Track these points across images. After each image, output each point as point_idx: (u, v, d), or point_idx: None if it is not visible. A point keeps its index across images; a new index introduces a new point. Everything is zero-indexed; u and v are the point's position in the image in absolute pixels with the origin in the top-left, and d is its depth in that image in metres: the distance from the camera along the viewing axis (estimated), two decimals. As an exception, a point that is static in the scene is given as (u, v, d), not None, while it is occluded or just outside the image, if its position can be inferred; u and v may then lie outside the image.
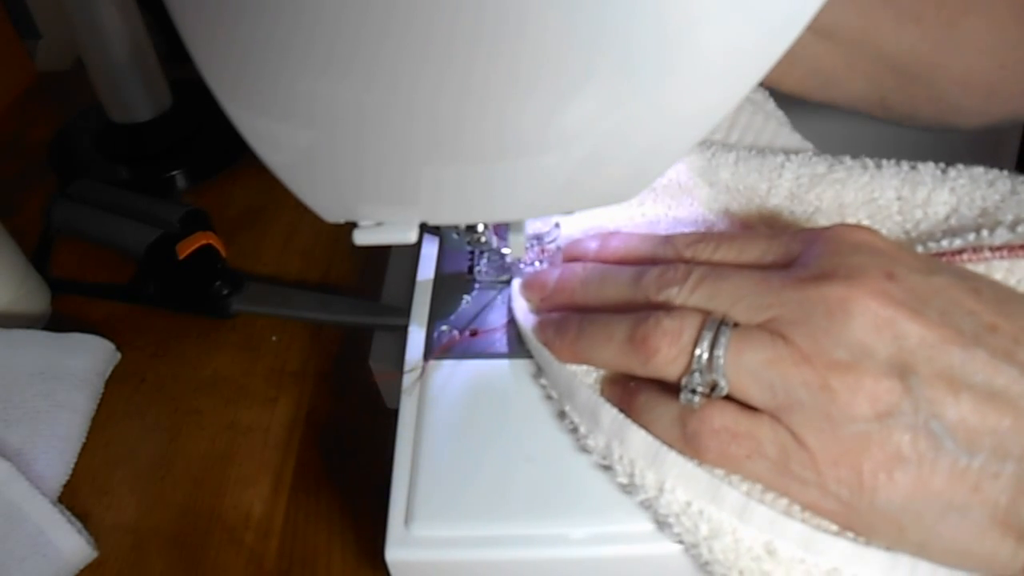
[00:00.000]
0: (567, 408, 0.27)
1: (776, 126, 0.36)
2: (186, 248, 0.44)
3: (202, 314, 0.45)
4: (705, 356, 0.23)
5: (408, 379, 0.30)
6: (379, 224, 0.25)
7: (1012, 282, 0.26)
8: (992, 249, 0.26)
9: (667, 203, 0.33)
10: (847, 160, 0.32)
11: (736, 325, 0.24)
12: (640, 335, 0.25)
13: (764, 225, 0.32)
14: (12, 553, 0.32)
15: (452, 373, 0.30)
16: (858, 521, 0.22)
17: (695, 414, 0.24)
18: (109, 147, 0.57)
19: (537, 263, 0.31)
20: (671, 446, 0.24)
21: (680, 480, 0.24)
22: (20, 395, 0.37)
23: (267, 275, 0.48)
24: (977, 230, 0.27)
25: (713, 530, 0.23)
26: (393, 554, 0.25)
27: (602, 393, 0.27)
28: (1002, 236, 0.26)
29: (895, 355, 0.22)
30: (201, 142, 0.58)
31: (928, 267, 0.23)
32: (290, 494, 0.37)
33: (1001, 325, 0.22)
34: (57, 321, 0.46)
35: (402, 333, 0.32)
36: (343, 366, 0.42)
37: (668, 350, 0.24)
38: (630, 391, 0.26)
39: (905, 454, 0.21)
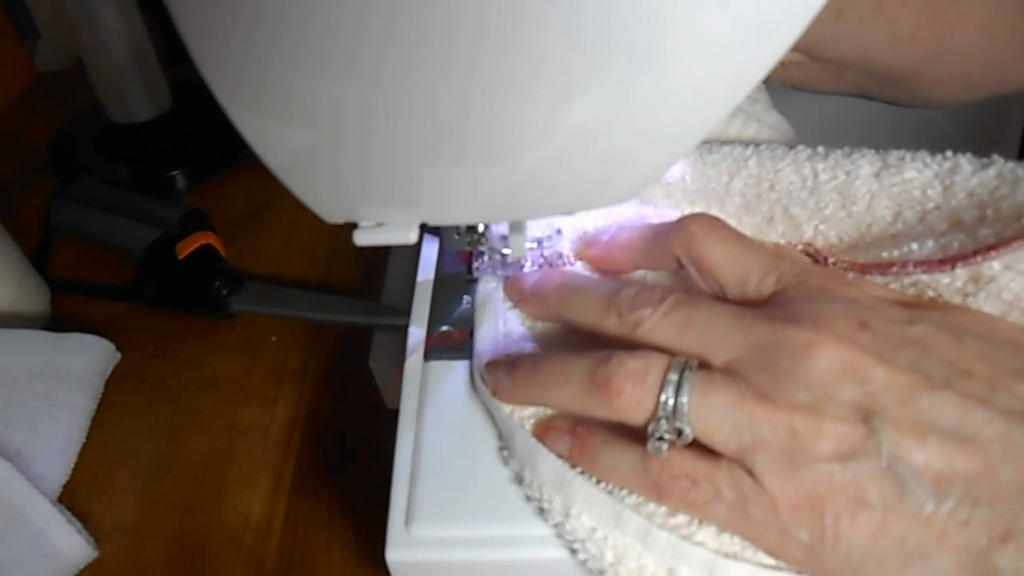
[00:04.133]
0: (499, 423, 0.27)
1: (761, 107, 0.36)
2: (186, 248, 0.44)
3: (202, 314, 0.45)
4: (671, 402, 0.23)
5: (409, 366, 0.30)
6: (379, 224, 0.25)
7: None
8: (916, 263, 0.26)
9: (706, 202, 0.33)
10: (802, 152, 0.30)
11: (701, 366, 0.23)
12: (602, 376, 0.24)
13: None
14: (12, 553, 0.32)
15: (452, 373, 0.30)
16: (820, 567, 0.22)
17: (656, 461, 0.23)
18: (109, 147, 0.57)
19: (538, 265, 0.31)
20: (637, 494, 0.24)
21: (585, 506, 0.24)
22: (20, 395, 0.37)
23: (267, 275, 0.48)
24: (916, 238, 0.27)
25: (618, 556, 0.23)
26: (393, 554, 0.25)
27: (540, 439, 0.26)
28: (928, 248, 0.26)
29: (859, 399, 0.21)
30: (201, 142, 0.58)
31: (911, 318, 0.23)
32: (290, 494, 0.37)
33: (979, 371, 0.22)
34: (57, 321, 0.46)
35: (402, 333, 0.32)
36: (343, 366, 0.42)
37: (632, 392, 0.23)
38: (579, 436, 0.25)
39: (868, 498, 0.21)
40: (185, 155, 0.57)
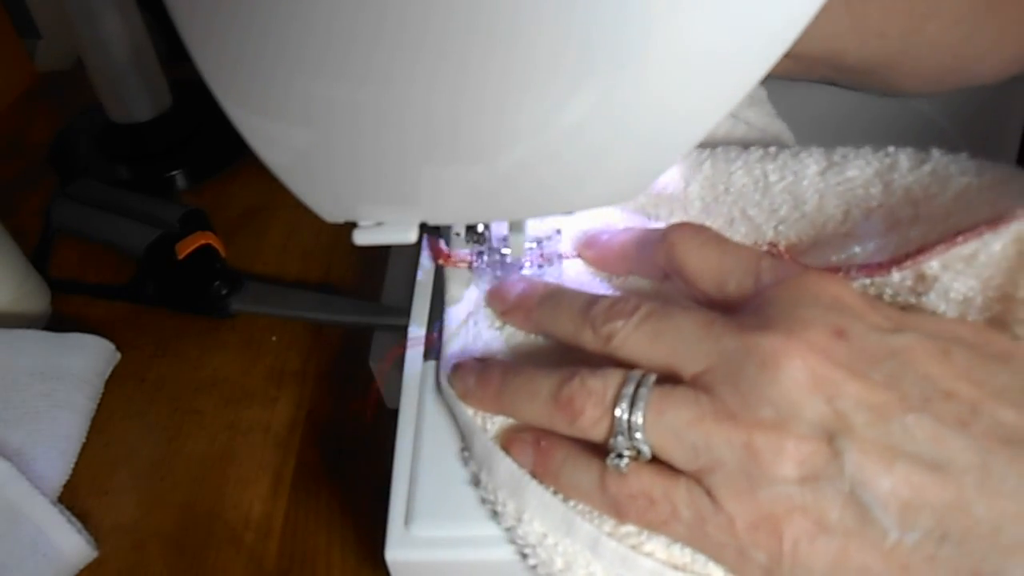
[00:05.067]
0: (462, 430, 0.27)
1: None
2: (185, 248, 0.44)
3: (202, 314, 0.45)
4: (625, 418, 0.22)
5: (409, 365, 0.30)
6: (379, 224, 0.25)
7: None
8: (858, 268, 0.25)
9: (669, 207, 0.33)
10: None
11: (668, 379, 0.23)
12: (565, 396, 0.24)
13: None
14: (12, 553, 0.32)
15: (452, 373, 0.30)
16: None
17: (614, 479, 0.23)
18: (109, 147, 0.57)
19: (538, 266, 0.31)
20: (598, 510, 0.24)
21: (538, 511, 0.24)
22: (20, 395, 0.37)
23: (267, 275, 0.48)
24: (860, 240, 0.26)
25: (567, 563, 0.23)
26: (393, 554, 0.25)
27: (505, 450, 0.26)
28: (868, 250, 0.26)
29: (826, 416, 0.20)
30: (201, 142, 0.58)
31: (896, 325, 0.22)
32: (290, 494, 0.37)
33: (961, 392, 0.20)
34: (57, 321, 0.46)
35: (402, 333, 0.32)
36: (343, 366, 0.42)
37: (592, 411, 0.23)
38: (543, 452, 0.25)
39: (829, 523, 0.20)
40: (185, 155, 0.57)
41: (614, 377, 0.23)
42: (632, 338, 0.24)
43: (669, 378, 0.23)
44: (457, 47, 0.18)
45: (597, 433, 0.23)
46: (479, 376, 0.27)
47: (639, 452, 0.23)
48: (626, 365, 0.24)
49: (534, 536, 0.24)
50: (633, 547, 0.23)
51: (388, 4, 0.17)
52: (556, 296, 0.28)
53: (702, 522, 0.22)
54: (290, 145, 0.21)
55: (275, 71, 0.19)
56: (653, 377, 0.23)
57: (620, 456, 0.23)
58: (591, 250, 0.31)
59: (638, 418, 0.22)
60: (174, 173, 0.56)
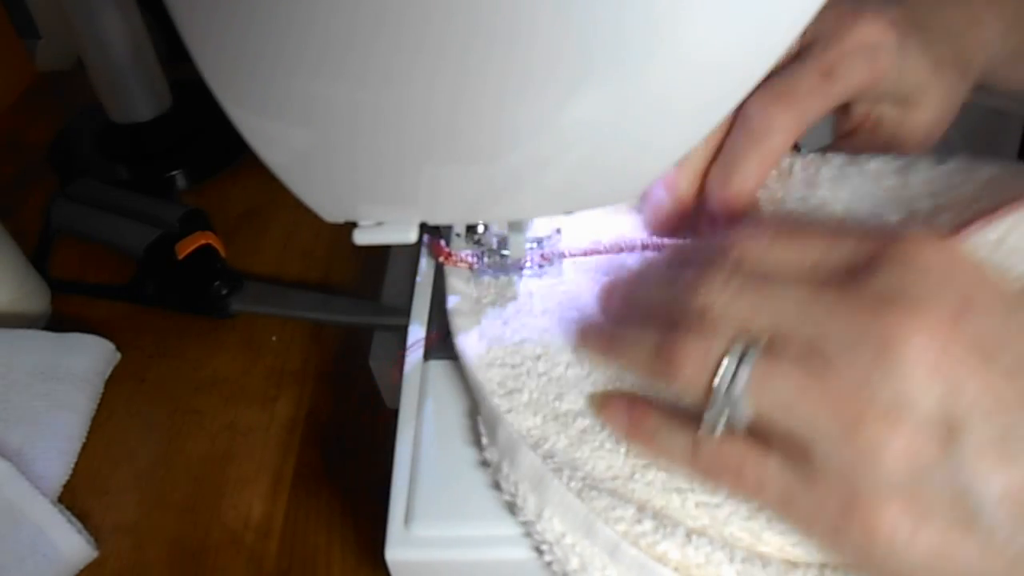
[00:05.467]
0: (478, 418, 0.27)
1: None
2: (185, 248, 0.44)
3: (202, 314, 0.45)
4: (727, 381, 0.21)
5: (409, 365, 0.30)
6: (379, 224, 0.25)
7: None
8: None
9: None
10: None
11: (768, 348, 0.21)
12: (666, 352, 0.23)
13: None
14: (12, 553, 0.32)
15: (452, 373, 0.30)
16: (873, 570, 0.21)
17: (706, 447, 0.22)
18: (109, 147, 0.57)
19: (538, 266, 0.31)
20: (688, 475, 0.24)
21: (558, 510, 0.24)
22: (20, 395, 0.37)
23: (267, 275, 0.48)
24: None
25: (583, 564, 0.23)
26: (393, 554, 0.25)
27: (599, 412, 0.26)
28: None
29: (944, 409, 0.19)
30: (201, 142, 0.58)
31: (1011, 302, 0.20)
32: (290, 494, 0.37)
33: None
34: (57, 321, 0.46)
35: (402, 333, 0.32)
36: (343, 366, 0.42)
37: (691, 371, 0.22)
38: (638, 413, 0.25)
39: (934, 516, 0.19)
40: (185, 155, 0.57)
41: (719, 339, 0.22)
42: (731, 309, 0.22)
43: (773, 348, 0.21)
44: (457, 47, 0.18)
45: (695, 391, 0.22)
46: (591, 324, 0.28)
47: (737, 418, 0.22)
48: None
49: (552, 534, 0.24)
50: (650, 545, 0.23)
51: (388, 4, 0.17)
52: (644, 272, 0.28)
53: (791, 501, 0.21)
54: (290, 145, 0.21)
55: (275, 71, 0.19)
56: (763, 341, 0.21)
57: (716, 420, 0.22)
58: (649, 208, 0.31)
59: (741, 383, 0.21)
60: (174, 173, 0.56)
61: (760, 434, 0.22)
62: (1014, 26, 0.34)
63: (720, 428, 0.22)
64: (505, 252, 0.31)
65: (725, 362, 0.21)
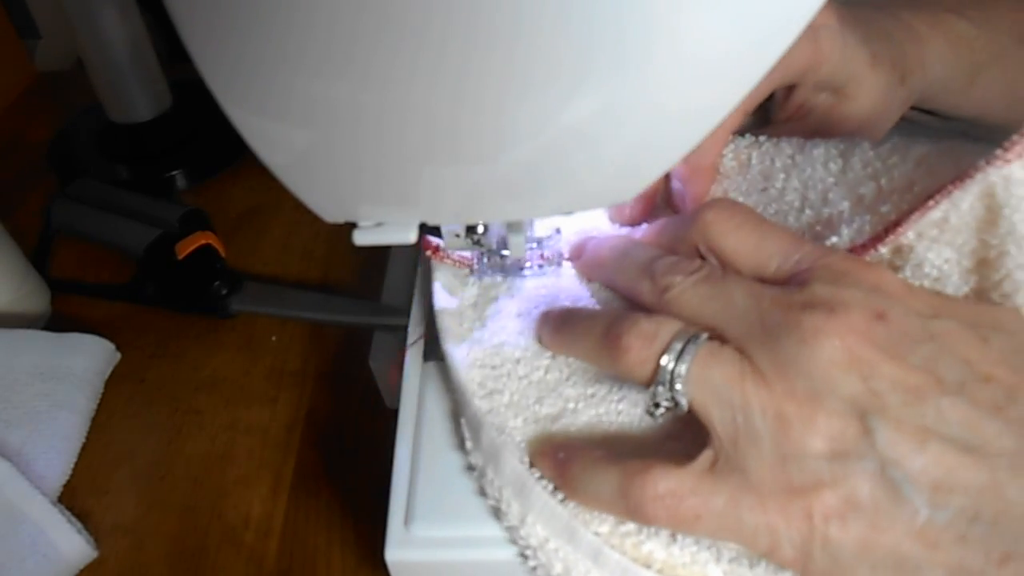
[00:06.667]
0: (462, 421, 0.27)
1: None
2: (185, 248, 0.44)
3: (202, 314, 0.45)
4: (671, 367, 0.23)
5: (409, 366, 0.30)
6: (379, 224, 0.25)
7: None
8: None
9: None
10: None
11: (712, 339, 0.23)
12: (615, 332, 0.24)
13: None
14: (12, 553, 0.32)
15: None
16: (815, 570, 0.21)
17: (635, 483, 0.22)
18: (109, 147, 0.57)
19: (538, 266, 0.31)
20: (622, 518, 0.23)
21: (541, 516, 0.24)
22: (20, 395, 0.37)
23: (267, 275, 0.48)
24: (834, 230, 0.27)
25: (567, 569, 0.23)
26: (393, 554, 0.25)
27: (535, 462, 0.25)
28: (844, 238, 0.26)
29: (860, 394, 0.20)
30: (201, 142, 0.58)
31: (936, 311, 0.22)
32: (290, 494, 0.37)
33: (999, 377, 0.20)
34: (57, 321, 0.46)
35: (402, 333, 0.32)
36: (343, 366, 0.42)
37: (638, 352, 0.24)
38: (560, 462, 0.25)
39: (859, 500, 0.20)
40: (185, 155, 0.57)
41: (667, 325, 0.24)
42: (687, 294, 0.25)
43: (716, 340, 0.24)
44: (457, 48, 0.18)
45: (639, 373, 0.24)
46: (543, 316, 0.29)
47: (676, 405, 0.23)
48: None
49: (535, 539, 0.24)
50: (633, 546, 0.23)
51: (388, 4, 0.17)
52: (624, 248, 0.29)
53: (736, 507, 0.21)
54: (290, 145, 0.21)
55: (275, 72, 0.19)
56: (706, 334, 0.23)
57: (657, 406, 0.23)
58: (579, 260, 0.32)
59: (682, 369, 0.23)
60: (174, 173, 0.56)
61: (696, 424, 0.23)
62: (962, 53, 0.35)
63: (662, 411, 0.23)
64: (505, 252, 0.31)
65: (676, 344, 0.23)
